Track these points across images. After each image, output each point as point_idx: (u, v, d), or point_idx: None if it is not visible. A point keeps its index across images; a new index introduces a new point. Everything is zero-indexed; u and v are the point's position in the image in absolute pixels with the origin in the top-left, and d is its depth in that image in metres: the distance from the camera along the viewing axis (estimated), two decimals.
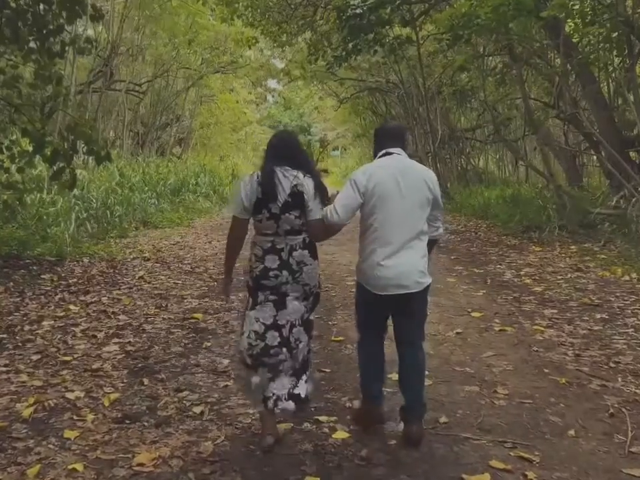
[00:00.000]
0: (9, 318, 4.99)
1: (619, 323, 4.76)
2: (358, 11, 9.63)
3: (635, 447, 2.77)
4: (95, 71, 15.53)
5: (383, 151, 2.97)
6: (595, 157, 12.18)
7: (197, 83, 20.82)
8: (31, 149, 6.48)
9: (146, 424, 3.05)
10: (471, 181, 17.08)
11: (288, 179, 2.77)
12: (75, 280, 6.46)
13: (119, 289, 6.16)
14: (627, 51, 8.93)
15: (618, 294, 5.67)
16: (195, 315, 5.19)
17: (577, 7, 8.69)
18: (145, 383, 3.61)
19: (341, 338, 4.48)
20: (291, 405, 2.81)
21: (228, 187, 20.24)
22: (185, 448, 2.80)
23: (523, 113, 13.21)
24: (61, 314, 5.17)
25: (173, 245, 9.40)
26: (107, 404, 3.30)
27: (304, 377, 2.90)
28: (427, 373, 3.59)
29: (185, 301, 5.79)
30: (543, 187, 12.45)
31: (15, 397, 3.38)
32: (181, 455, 2.74)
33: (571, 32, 9.79)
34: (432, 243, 3.08)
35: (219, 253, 8.71)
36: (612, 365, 3.83)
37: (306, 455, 2.74)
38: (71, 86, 12.18)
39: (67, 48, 6.43)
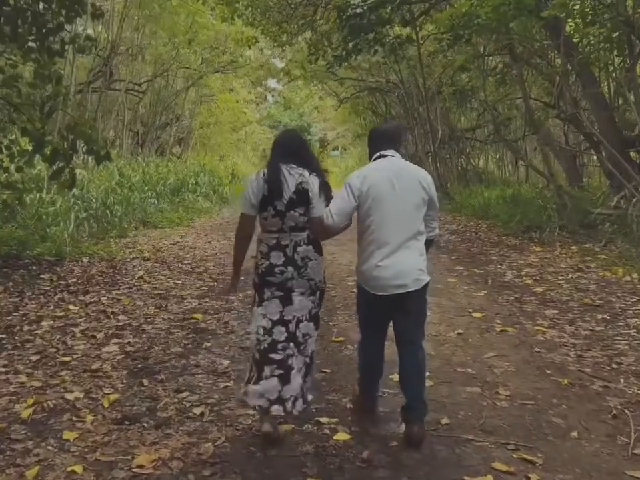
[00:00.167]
0: (8, 318, 4.97)
1: (621, 323, 4.74)
2: (358, 10, 9.61)
3: (638, 448, 2.76)
4: (95, 70, 15.51)
5: (378, 154, 3.02)
6: (595, 157, 12.17)
7: (197, 83, 20.79)
8: (30, 148, 6.46)
9: (146, 425, 3.03)
10: (471, 181, 17.05)
11: (293, 176, 2.82)
12: (75, 280, 6.44)
13: (119, 289, 6.14)
14: (627, 51, 8.92)
15: (619, 294, 5.65)
16: (195, 315, 5.17)
17: (577, 6, 8.67)
18: (145, 384, 3.59)
19: (341, 338, 4.46)
20: (305, 405, 2.86)
21: (228, 186, 20.24)
22: (185, 449, 2.78)
23: (523, 113, 13.20)
24: (60, 314, 5.15)
25: (173, 244, 9.37)
26: (106, 405, 3.28)
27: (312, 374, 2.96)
28: (428, 373, 3.59)
29: (185, 301, 5.77)
30: (543, 187, 12.43)
31: (14, 397, 3.36)
32: (181, 456, 2.72)
33: (572, 32, 9.78)
34: (428, 244, 3.08)
35: (218, 253, 8.70)
36: (614, 365, 3.81)
37: (307, 456, 2.72)
38: (71, 85, 12.16)
39: (66, 47, 6.41)
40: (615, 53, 9.87)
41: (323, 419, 3.07)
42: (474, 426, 2.99)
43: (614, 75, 10.74)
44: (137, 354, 4.17)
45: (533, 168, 13.12)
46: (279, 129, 42.38)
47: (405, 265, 2.83)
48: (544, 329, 4.61)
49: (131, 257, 7.99)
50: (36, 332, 4.63)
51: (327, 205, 2.87)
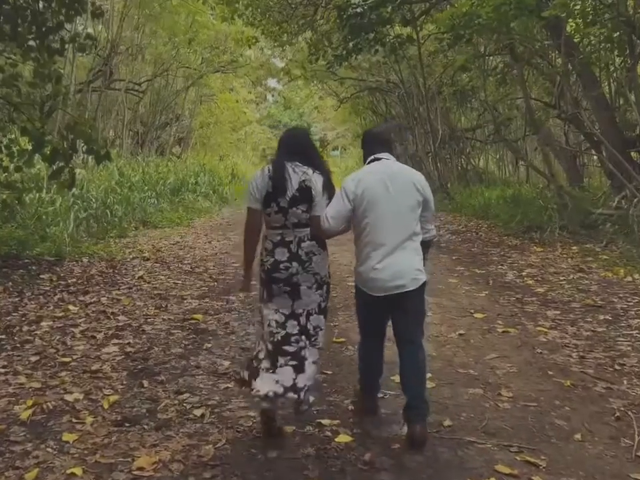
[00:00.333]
0: (8, 318, 4.95)
1: (623, 324, 4.72)
2: (359, 9, 9.59)
3: None
4: (95, 70, 15.49)
5: (372, 157, 3.05)
6: (595, 157, 12.14)
7: (197, 82, 20.77)
8: (30, 147, 6.43)
9: (146, 427, 3.01)
10: (472, 181, 17.03)
11: (297, 174, 2.86)
12: (74, 280, 6.41)
13: (119, 289, 6.12)
14: (628, 51, 8.90)
15: (621, 295, 5.63)
16: (195, 316, 5.15)
17: (578, 7, 8.65)
18: (145, 385, 3.57)
19: (342, 339, 4.44)
20: (316, 394, 2.97)
21: (227, 186, 20.20)
22: (186, 452, 2.76)
23: (523, 113, 13.18)
24: (60, 314, 5.12)
25: (173, 244, 9.35)
26: (106, 406, 3.25)
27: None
28: (429, 375, 3.59)
29: (185, 301, 5.75)
30: (543, 187, 12.41)
31: (13, 399, 3.34)
32: (181, 458, 2.70)
33: (572, 32, 9.76)
34: (427, 245, 3.10)
35: (218, 253, 8.68)
36: (617, 367, 3.79)
37: (308, 459, 2.70)
38: (71, 85, 12.14)
39: (66, 46, 6.39)
40: (616, 53, 9.84)
41: (325, 421, 3.05)
42: (476, 428, 2.97)
43: (614, 75, 10.72)
44: (136, 355, 4.15)
45: (533, 168, 13.11)
46: (279, 129, 42.46)
47: (401, 265, 2.86)
48: (546, 330, 4.59)
49: (131, 257, 7.96)
50: (35, 332, 4.61)
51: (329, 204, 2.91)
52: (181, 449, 2.78)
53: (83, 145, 6.52)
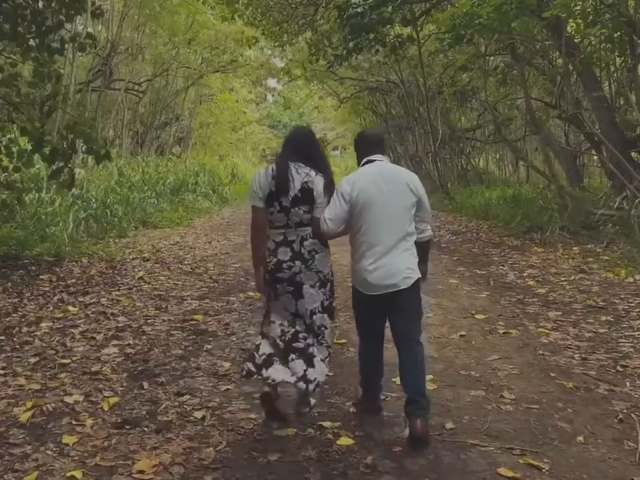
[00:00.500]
0: (7, 319, 4.94)
1: (625, 325, 4.70)
2: (359, 9, 9.57)
3: None
4: (95, 69, 15.45)
5: (365, 159, 3.10)
6: (595, 158, 12.13)
7: (197, 82, 20.75)
8: (29, 147, 6.41)
9: (146, 429, 2.99)
10: (472, 181, 17.02)
11: (300, 175, 2.92)
12: (74, 280, 6.40)
13: (118, 290, 6.10)
14: (629, 51, 8.88)
15: (622, 296, 5.61)
16: (195, 317, 5.13)
17: (578, 7, 8.63)
18: (145, 387, 3.55)
19: (343, 340, 4.42)
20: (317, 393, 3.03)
21: (227, 186, 20.18)
22: (186, 454, 2.74)
23: (523, 113, 13.17)
24: (60, 315, 5.10)
25: (173, 245, 9.33)
26: (106, 408, 3.24)
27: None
28: (431, 376, 3.59)
29: (185, 302, 5.73)
30: (544, 187, 12.39)
31: (13, 400, 3.32)
32: (182, 461, 2.68)
33: (573, 32, 9.75)
34: (425, 245, 3.13)
35: (219, 254, 8.66)
36: (619, 368, 3.77)
37: (310, 461, 2.68)
38: (70, 85, 12.11)
39: (66, 45, 6.37)
40: (616, 53, 9.83)
41: (326, 423, 3.03)
42: (479, 430, 2.95)
43: (615, 75, 10.71)
44: (136, 356, 4.13)
45: (533, 168, 13.10)
46: (278, 129, 42.48)
47: (394, 265, 2.92)
48: (547, 331, 4.57)
49: (131, 257, 7.95)
50: (35, 333, 4.59)
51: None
52: (181, 451, 2.76)
53: (82, 144, 6.50)
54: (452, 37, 9.57)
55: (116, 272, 6.96)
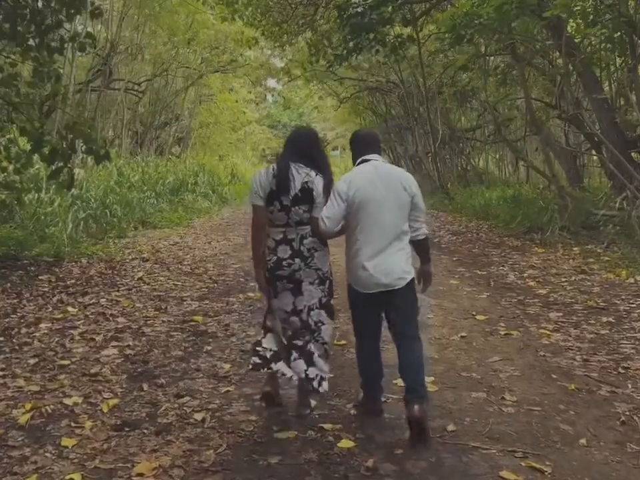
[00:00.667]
0: (6, 320, 4.92)
1: (626, 326, 4.68)
2: (359, 9, 9.55)
3: None
4: (94, 69, 15.42)
5: (360, 159, 3.14)
6: (595, 158, 12.12)
7: (196, 82, 20.71)
8: (29, 147, 6.39)
9: (146, 431, 2.97)
10: (472, 181, 17.01)
11: (301, 175, 2.98)
12: (73, 281, 6.38)
13: (118, 291, 6.08)
14: (629, 52, 8.87)
15: (623, 297, 5.59)
16: (195, 318, 5.12)
17: (578, 7, 8.61)
18: (145, 389, 3.53)
19: (343, 342, 4.40)
20: (323, 388, 3.09)
21: (227, 186, 20.16)
22: (186, 457, 2.72)
23: (523, 114, 13.15)
24: (59, 316, 5.09)
25: (172, 245, 9.32)
26: (105, 410, 3.22)
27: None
28: (432, 378, 3.59)
29: (185, 303, 5.71)
30: (544, 187, 12.38)
31: (12, 402, 3.30)
32: (182, 464, 2.66)
33: (573, 32, 9.73)
34: (422, 244, 3.15)
35: (218, 254, 8.64)
36: (621, 370, 3.75)
37: (311, 464, 2.66)
38: (70, 85, 12.08)
39: (66, 45, 6.36)
40: (617, 53, 9.81)
41: (327, 426, 3.01)
42: (480, 433, 2.93)
43: (615, 75, 10.70)
44: (136, 357, 4.11)
45: (534, 168, 13.08)
46: (278, 129, 42.44)
47: (388, 264, 2.96)
48: (548, 332, 4.56)
49: (130, 257, 7.93)
50: (34, 334, 4.57)
51: None
52: (181, 454, 2.74)
53: (82, 144, 6.48)
54: (452, 36, 9.56)
55: (115, 272, 6.94)
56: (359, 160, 3.14)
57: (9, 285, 5.97)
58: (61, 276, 6.53)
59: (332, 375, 3.70)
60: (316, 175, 3.00)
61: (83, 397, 3.39)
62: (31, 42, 6.07)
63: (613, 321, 4.84)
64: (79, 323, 4.92)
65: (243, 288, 6.33)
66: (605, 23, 8.66)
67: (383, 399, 3.24)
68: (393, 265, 2.97)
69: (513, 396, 3.37)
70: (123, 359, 4.07)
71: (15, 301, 5.51)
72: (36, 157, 6.53)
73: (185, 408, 3.26)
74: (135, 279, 6.66)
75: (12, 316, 5.05)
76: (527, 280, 6.49)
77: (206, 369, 3.90)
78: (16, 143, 6.92)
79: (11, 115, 6.30)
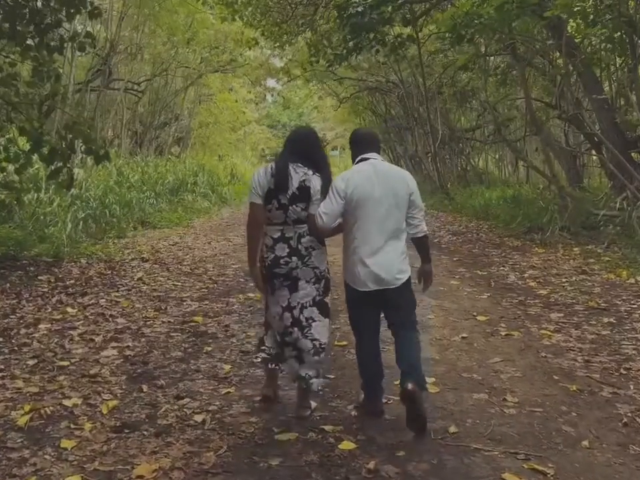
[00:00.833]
0: (5, 321, 4.90)
1: (627, 327, 4.67)
2: (359, 9, 9.53)
3: None
4: (94, 69, 15.39)
5: (359, 157, 3.17)
6: (595, 158, 12.11)
7: (196, 82, 20.68)
8: (28, 147, 6.37)
9: (145, 433, 2.95)
10: (471, 182, 17.00)
11: (298, 174, 3.02)
12: (73, 281, 6.36)
13: (117, 291, 6.06)
14: (629, 52, 8.86)
15: (624, 297, 5.58)
16: (195, 318, 5.10)
17: (578, 7, 8.60)
18: (144, 390, 3.51)
19: (344, 342, 4.38)
20: (320, 380, 3.12)
21: (227, 186, 20.13)
22: (186, 459, 2.70)
23: (523, 114, 13.14)
24: (58, 317, 5.07)
25: (172, 245, 9.30)
26: (105, 412, 3.20)
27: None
28: (433, 379, 3.58)
29: (185, 303, 5.69)
30: (544, 187, 12.37)
31: (10, 404, 3.28)
32: (182, 466, 2.64)
33: (573, 32, 9.72)
34: (421, 242, 3.17)
35: (218, 254, 8.63)
36: (623, 371, 3.73)
37: (311, 466, 2.64)
38: (69, 84, 12.06)
39: (65, 44, 6.34)
40: (617, 53, 9.80)
41: (327, 427, 2.99)
42: (482, 434, 2.92)
43: (615, 75, 10.69)
44: (136, 358, 4.09)
45: (534, 168, 13.07)
46: (278, 129, 42.41)
47: (385, 262, 3.00)
48: (550, 333, 4.54)
49: (130, 257, 7.91)
50: (33, 335, 4.55)
51: None
52: (181, 456, 2.72)
53: (81, 144, 6.46)
54: (452, 36, 9.55)
55: (115, 273, 6.92)
56: (358, 159, 3.17)
57: (8, 285, 5.95)
58: (60, 276, 6.51)
59: (332, 376, 3.71)
60: (313, 173, 3.03)
61: (83, 398, 3.37)
62: (30, 41, 6.06)
63: (614, 321, 4.82)
64: (78, 323, 4.90)
65: (242, 288, 6.32)
66: (605, 23, 8.66)
67: (384, 400, 3.23)
68: (390, 264, 3.01)
69: (515, 397, 3.36)
70: (122, 360, 4.05)
71: (14, 301, 5.49)
72: (35, 156, 6.50)
73: (185, 409, 3.24)
74: (135, 279, 6.64)
75: (11, 316, 5.03)
76: (527, 280, 6.48)
77: (206, 370, 3.89)
78: (15, 143, 6.90)
79: (10, 114, 6.28)
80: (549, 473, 2.55)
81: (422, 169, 20.19)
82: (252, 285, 3.19)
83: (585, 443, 2.82)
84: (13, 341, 4.42)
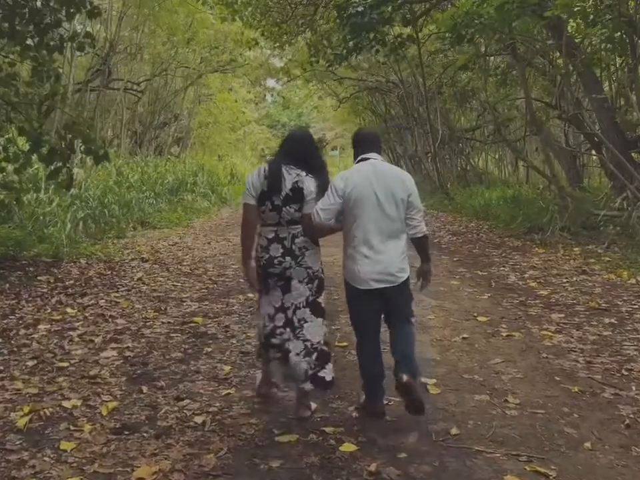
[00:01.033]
0: (4, 321, 4.88)
1: (629, 328, 4.66)
2: (359, 9, 9.51)
3: None
4: (93, 69, 15.36)
5: (360, 157, 3.20)
6: (595, 158, 12.10)
7: (196, 82, 20.66)
8: (27, 147, 6.35)
9: (145, 435, 2.94)
10: (471, 182, 16.98)
11: (291, 175, 3.06)
12: (72, 282, 6.34)
13: (117, 291, 6.05)
14: (629, 52, 8.84)
15: (625, 298, 5.57)
16: (195, 319, 5.08)
17: (578, 7, 8.58)
18: (144, 391, 3.50)
19: (345, 343, 4.36)
20: (308, 385, 3.07)
21: (226, 186, 20.11)
22: (186, 461, 2.69)
23: (523, 114, 13.12)
24: (58, 317, 5.05)
25: (172, 245, 9.28)
26: (104, 413, 3.18)
27: (331, 360, 3.18)
28: (434, 380, 3.58)
29: (184, 304, 5.68)
30: (544, 187, 12.36)
31: (10, 405, 3.27)
32: (182, 468, 2.63)
33: (573, 32, 9.71)
34: (420, 244, 3.19)
35: (218, 254, 8.61)
36: (624, 372, 3.72)
37: (312, 468, 2.63)
38: (69, 84, 12.04)
39: (65, 44, 6.32)
40: (617, 53, 9.79)
41: (328, 429, 2.98)
42: (484, 436, 2.90)
43: (615, 75, 10.68)
44: (135, 359, 4.08)
45: (534, 168, 13.05)
46: (277, 129, 42.39)
47: (385, 261, 3.04)
48: (551, 334, 4.53)
49: (129, 258, 7.89)
50: (32, 336, 4.54)
51: None
52: (181, 458, 2.71)
53: (81, 145, 6.44)
54: (453, 36, 9.53)
55: (114, 273, 6.91)
56: (358, 158, 3.20)
57: (7, 285, 5.94)
58: (59, 277, 6.49)
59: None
60: (306, 175, 3.06)
61: (82, 400, 3.35)
62: (29, 41, 6.04)
63: (615, 322, 4.81)
64: (77, 324, 4.88)
65: (242, 289, 6.28)
66: (605, 22, 8.65)
67: (385, 401, 3.21)
68: (390, 262, 3.04)
69: (516, 398, 3.34)
70: (122, 361, 4.04)
71: (14, 301, 5.47)
72: (35, 156, 6.48)
73: (185, 411, 3.22)
74: (134, 279, 6.62)
75: (10, 317, 5.01)
76: (527, 281, 6.46)
77: (206, 371, 3.87)
78: (15, 143, 6.88)
79: (9, 114, 6.26)
80: (551, 475, 2.54)
81: (422, 168, 20.17)
82: (249, 286, 3.17)
83: (587, 444, 2.81)
84: (12, 341, 4.40)
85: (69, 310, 5.26)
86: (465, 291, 6.13)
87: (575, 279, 6.43)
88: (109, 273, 6.91)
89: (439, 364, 3.92)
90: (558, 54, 10.52)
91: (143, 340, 4.52)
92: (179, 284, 6.53)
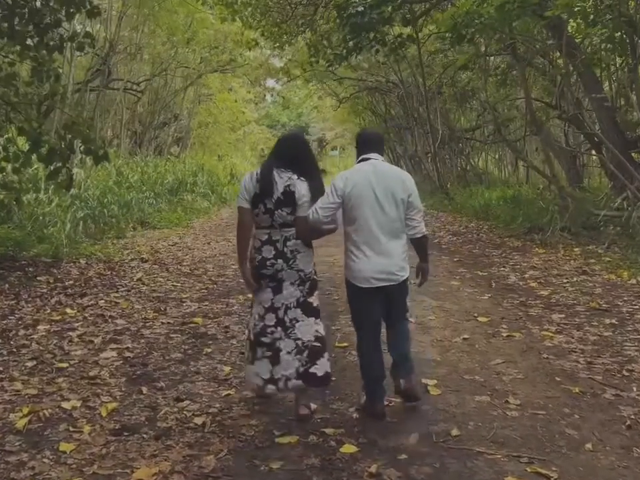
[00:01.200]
0: (4, 322, 4.87)
1: (629, 328, 4.65)
2: (359, 9, 9.50)
3: None
4: (93, 69, 15.35)
5: (361, 157, 3.24)
6: (595, 158, 12.09)
7: (196, 82, 20.65)
8: (27, 147, 6.34)
9: (145, 436, 2.93)
10: (471, 182, 16.96)
11: (283, 179, 3.08)
12: (72, 282, 6.33)
13: (117, 292, 6.04)
14: (629, 51, 8.83)
15: (626, 298, 5.55)
16: (195, 320, 5.07)
17: (578, 7, 8.57)
18: (144, 392, 3.49)
19: (345, 344, 4.35)
20: (299, 382, 3.06)
21: (226, 186, 20.10)
22: (186, 462, 2.68)
23: (523, 114, 13.12)
24: (57, 318, 5.04)
25: (171, 245, 9.27)
26: (104, 414, 3.17)
27: (324, 356, 3.15)
28: (435, 381, 3.58)
29: (184, 304, 5.67)
30: (544, 187, 12.35)
31: (9, 406, 3.26)
32: (182, 469, 2.62)
33: (574, 32, 9.70)
34: (420, 243, 3.21)
35: (218, 255, 8.60)
36: (625, 373, 3.71)
37: (313, 470, 2.62)
38: (69, 84, 12.03)
39: (65, 44, 6.31)
40: (617, 53, 9.78)
41: (329, 430, 2.97)
42: (485, 437, 2.89)
43: (615, 75, 10.67)
44: (135, 360, 4.07)
45: (534, 168, 13.04)
46: (277, 129, 42.39)
47: (385, 260, 3.07)
48: (551, 334, 4.52)
49: (129, 258, 7.88)
50: (32, 336, 4.53)
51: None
52: (181, 459, 2.70)
53: (80, 144, 6.43)
54: (453, 36, 9.52)
55: (114, 273, 6.90)
56: (360, 158, 3.23)
57: (7, 285, 5.93)
58: (59, 277, 6.48)
59: (334, 378, 3.67)
60: (297, 178, 3.08)
61: (82, 401, 3.35)
62: (29, 41, 6.03)
63: (616, 322, 4.80)
64: (77, 324, 4.87)
65: (242, 289, 6.26)
66: (605, 22, 8.63)
67: (385, 402, 3.21)
68: (390, 262, 3.08)
69: (517, 399, 3.34)
70: (121, 362, 4.03)
71: (13, 302, 5.46)
72: (34, 156, 6.47)
73: (184, 412, 3.21)
74: (134, 279, 6.61)
75: (10, 317, 5.00)
76: (528, 281, 6.45)
77: (206, 371, 3.86)
78: (14, 143, 6.87)
79: (9, 114, 6.25)
80: (552, 477, 2.53)
81: (422, 168, 20.16)
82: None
83: (589, 445, 2.80)
84: (12, 342, 4.39)
85: (68, 310, 5.25)
86: (465, 291, 6.12)
87: (575, 279, 6.42)
88: (109, 273, 6.90)
89: (439, 365, 3.92)
90: (558, 54, 10.51)
91: (143, 340, 4.51)
92: (179, 284, 6.52)
